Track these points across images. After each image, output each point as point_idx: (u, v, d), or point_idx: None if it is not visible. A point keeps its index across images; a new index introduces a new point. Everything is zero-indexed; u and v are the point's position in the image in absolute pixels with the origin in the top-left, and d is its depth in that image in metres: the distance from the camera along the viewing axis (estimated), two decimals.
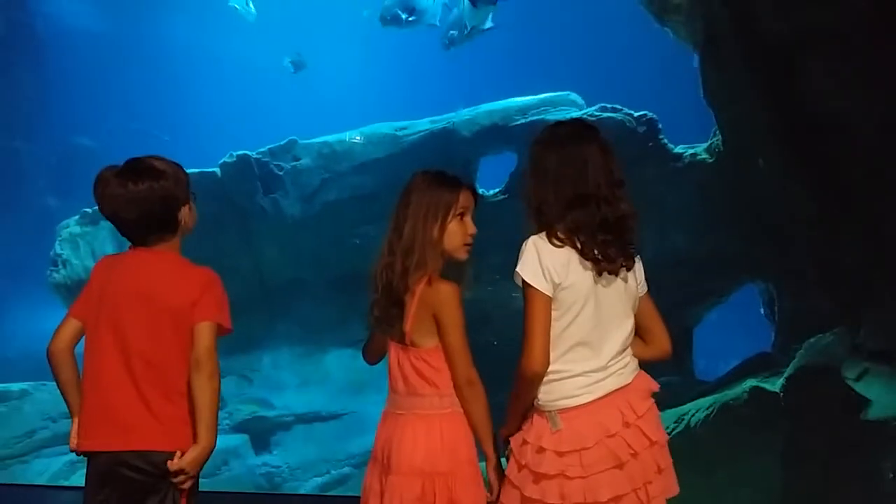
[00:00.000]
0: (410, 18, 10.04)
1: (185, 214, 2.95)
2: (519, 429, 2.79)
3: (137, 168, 2.89)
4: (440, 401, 2.81)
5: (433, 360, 2.81)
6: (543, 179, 2.74)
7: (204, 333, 2.83)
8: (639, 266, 2.84)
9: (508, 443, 2.83)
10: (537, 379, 2.70)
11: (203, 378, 2.80)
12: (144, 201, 2.84)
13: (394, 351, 2.87)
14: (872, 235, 6.69)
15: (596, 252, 2.69)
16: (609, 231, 2.69)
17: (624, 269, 2.74)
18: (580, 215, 2.68)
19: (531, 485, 2.68)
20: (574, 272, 2.69)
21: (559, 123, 2.89)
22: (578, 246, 2.69)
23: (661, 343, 2.90)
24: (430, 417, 2.80)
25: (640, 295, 2.85)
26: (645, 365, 2.88)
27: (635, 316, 2.84)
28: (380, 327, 2.89)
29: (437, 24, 10.20)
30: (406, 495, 2.73)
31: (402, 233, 2.81)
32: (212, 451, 2.84)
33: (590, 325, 2.71)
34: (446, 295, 2.78)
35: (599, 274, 2.70)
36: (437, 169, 2.96)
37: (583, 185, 2.69)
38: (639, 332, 2.87)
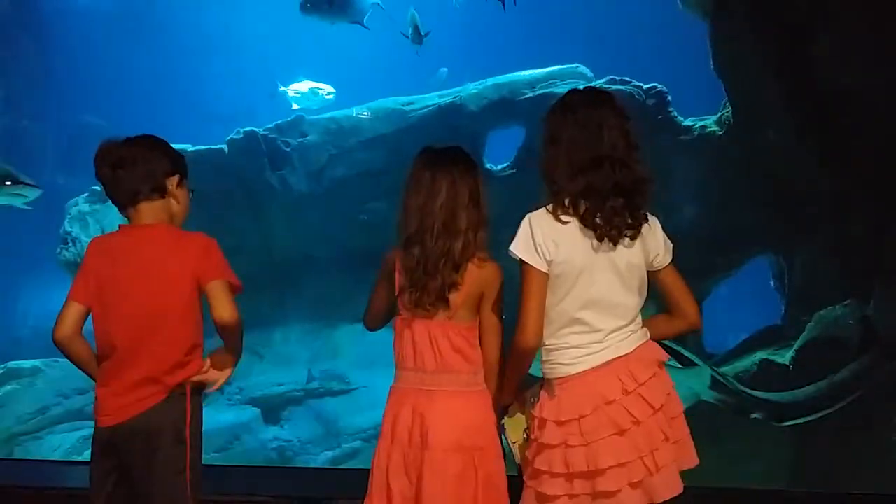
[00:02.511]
0: (331, 8, 9.80)
1: (174, 185, 3.01)
2: (513, 398, 2.91)
3: (136, 136, 3.02)
4: (475, 378, 2.88)
5: (471, 337, 2.88)
6: (557, 147, 2.74)
7: (220, 293, 2.90)
8: (655, 239, 2.81)
9: (504, 412, 2.93)
10: (530, 353, 2.76)
11: (236, 337, 2.97)
12: (136, 157, 2.95)
13: (422, 326, 2.86)
14: (883, 207, 6.68)
15: (599, 218, 2.67)
16: (621, 195, 2.67)
17: (627, 238, 2.71)
18: (593, 178, 2.67)
19: (538, 456, 2.73)
20: (569, 245, 2.68)
21: (571, 91, 2.90)
22: (581, 211, 2.67)
23: (688, 315, 2.88)
24: (467, 394, 2.86)
25: (660, 268, 2.82)
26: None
27: (661, 291, 2.85)
28: (419, 300, 2.85)
29: (364, 24, 9.76)
30: (449, 470, 2.77)
31: (467, 208, 2.84)
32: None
33: (584, 301, 2.71)
34: (498, 273, 2.89)
35: (599, 240, 2.68)
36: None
37: (598, 148, 2.68)
38: (666, 307, 2.88)
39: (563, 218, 2.70)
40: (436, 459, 2.77)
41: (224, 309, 2.90)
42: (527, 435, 2.89)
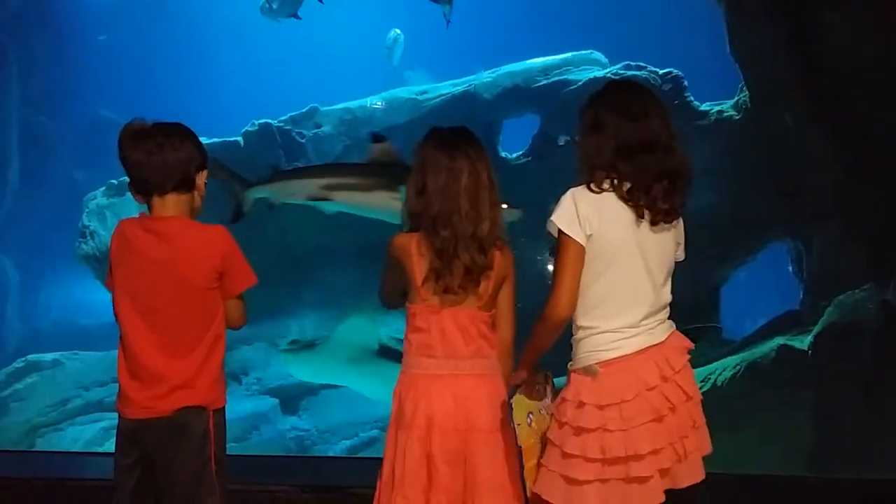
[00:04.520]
0: (273, 7, 9.79)
1: (201, 180, 2.98)
2: (529, 374, 2.90)
3: (167, 123, 2.96)
4: (496, 361, 2.95)
5: (491, 323, 2.94)
6: (601, 134, 2.76)
7: (238, 305, 2.99)
8: (680, 234, 2.84)
9: (516, 388, 2.93)
10: (561, 324, 2.77)
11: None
12: (174, 146, 2.89)
13: (450, 316, 2.88)
14: None
15: (643, 200, 2.71)
16: (667, 178, 2.72)
17: (664, 222, 2.74)
18: (644, 161, 2.71)
19: (572, 439, 2.70)
20: (610, 220, 2.71)
21: (612, 82, 2.98)
22: (625, 189, 2.70)
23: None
24: (492, 376, 2.94)
25: (677, 261, 2.86)
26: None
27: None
28: (448, 285, 2.85)
29: (298, 16, 9.85)
30: (499, 449, 2.87)
31: (487, 188, 2.87)
32: None
33: (620, 281, 2.73)
34: (513, 256, 2.94)
35: (640, 217, 2.71)
36: None
37: (646, 134, 2.73)
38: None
39: (605, 192, 2.73)
40: (487, 440, 2.85)
41: (239, 319, 3.01)
42: (529, 420, 2.91)
